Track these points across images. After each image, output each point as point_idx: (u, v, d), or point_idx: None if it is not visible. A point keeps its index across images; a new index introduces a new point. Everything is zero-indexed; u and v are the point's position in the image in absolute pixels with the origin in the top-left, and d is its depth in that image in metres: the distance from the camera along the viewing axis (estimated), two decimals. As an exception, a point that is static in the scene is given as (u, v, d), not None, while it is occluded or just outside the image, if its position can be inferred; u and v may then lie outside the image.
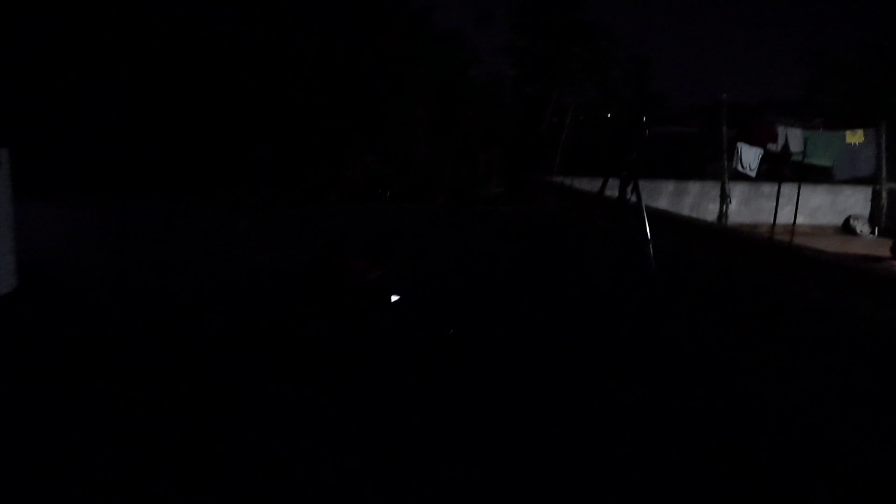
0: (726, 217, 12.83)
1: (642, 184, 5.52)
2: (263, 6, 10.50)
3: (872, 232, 14.71)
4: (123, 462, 3.56)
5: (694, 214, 12.74)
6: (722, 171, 12.85)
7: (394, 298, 5.86)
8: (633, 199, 5.38)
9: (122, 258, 6.48)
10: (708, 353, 5.26)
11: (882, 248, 12.13)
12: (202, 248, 6.76)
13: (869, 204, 15.15)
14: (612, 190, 5.71)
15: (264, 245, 6.93)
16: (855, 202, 15.11)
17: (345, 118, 11.29)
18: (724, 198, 12.86)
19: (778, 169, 13.11)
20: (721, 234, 6.25)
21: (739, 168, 13.04)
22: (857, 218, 14.88)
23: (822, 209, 14.72)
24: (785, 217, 13.55)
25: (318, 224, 7.17)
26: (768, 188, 13.99)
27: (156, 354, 5.20)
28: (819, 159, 13.29)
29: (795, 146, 12.90)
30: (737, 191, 13.83)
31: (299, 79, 10.73)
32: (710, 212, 13.42)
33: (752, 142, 13.11)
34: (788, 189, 13.33)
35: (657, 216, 5.85)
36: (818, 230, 14.17)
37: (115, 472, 3.47)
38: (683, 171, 15.71)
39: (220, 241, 6.85)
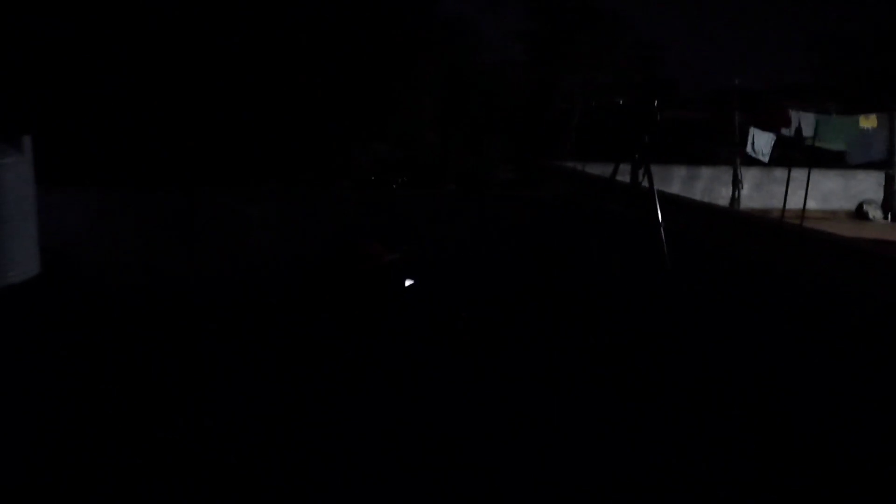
0: (738, 202, 12.82)
1: (654, 169, 5.55)
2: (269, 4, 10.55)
3: (886, 217, 14.66)
4: (128, 453, 3.64)
5: (706, 199, 12.74)
6: (734, 156, 12.82)
7: (408, 283, 5.95)
8: (645, 183, 5.42)
9: (140, 244, 6.58)
10: (719, 335, 5.32)
11: (895, 233, 12.12)
12: (217, 235, 6.85)
13: (882, 189, 15.08)
14: (624, 175, 5.75)
15: (277, 231, 7.02)
16: (868, 187, 15.05)
17: (353, 106, 11.34)
18: (737, 183, 12.84)
19: (790, 154, 13.07)
20: (731, 218, 6.29)
21: (752, 153, 12.99)
22: (869, 203, 14.82)
23: (834, 194, 14.67)
24: (798, 202, 13.52)
25: (329, 210, 7.25)
26: (780, 173, 13.94)
27: (169, 342, 5.30)
28: (832, 144, 13.21)
29: (808, 131, 12.83)
30: (749, 176, 13.80)
31: (308, 68, 10.78)
32: (722, 196, 13.41)
33: (764, 127, 13.06)
34: (801, 174, 13.29)
35: (668, 200, 5.89)
36: (830, 215, 14.15)
37: (118, 465, 3.56)
38: (695, 156, 15.68)
39: (235, 227, 6.95)
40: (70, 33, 7.59)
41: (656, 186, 5.47)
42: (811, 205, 14.14)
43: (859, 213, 14.75)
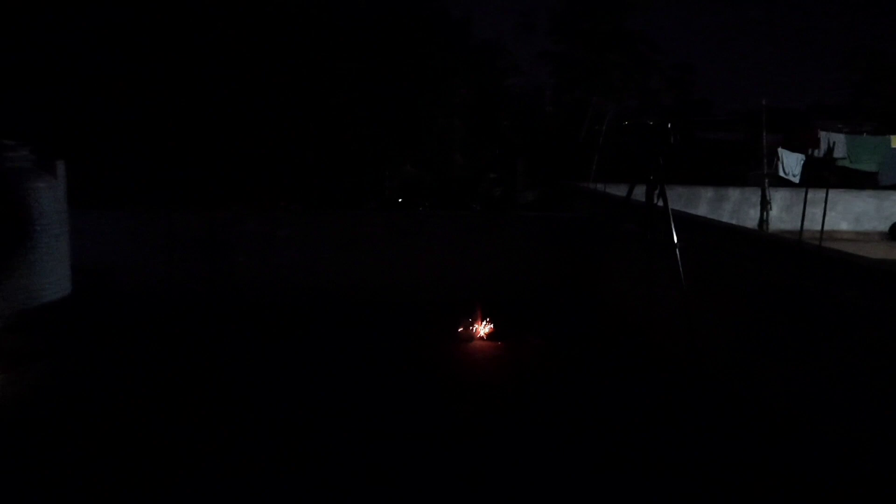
0: (767, 223, 12.68)
1: (680, 190, 5.63)
2: (305, 20, 10.80)
3: (921, 238, 14.36)
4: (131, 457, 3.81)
5: (734, 221, 12.63)
6: (762, 177, 12.72)
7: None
8: (660, 203, 5.46)
9: (168, 264, 6.80)
10: (736, 355, 5.31)
11: (929, 254, 11.88)
12: (244, 256, 7.04)
13: (916, 209, 14.77)
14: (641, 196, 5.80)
15: (304, 251, 7.19)
16: (902, 207, 14.76)
17: (384, 129, 11.52)
18: (765, 204, 12.71)
19: (820, 174, 12.93)
20: (748, 238, 6.28)
21: (782, 174, 12.89)
22: (903, 224, 14.53)
23: (866, 215, 14.41)
24: (831, 223, 13.31)
25: (356, 231, 7.41)
26: (811, 194, 13.76)
27: (194, 358, 5.48)
28: (863, 164, 13.06)
29: (838, 151, 12.71)
30: (779, 197, 13.64)
31: (340, 90, 11.00)
32: (750, 218, 13.28)
33: (792, 147, 12.96)
34: (833, 195, 13.11)
35: (685, 220, 5.92)
36: (863, 236, 13.91)
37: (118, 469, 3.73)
38: (726, 177, 15.56)
39: (261, 248, 7.13)
40: (104, 64, 7.88)
41: (683, 208, 5.52)
42: (843, 226, 13.95)
43: (892, 234, 14.47)
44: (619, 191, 7.78)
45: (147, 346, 5.67)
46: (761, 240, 6.39)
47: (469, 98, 13.54)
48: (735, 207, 13.59)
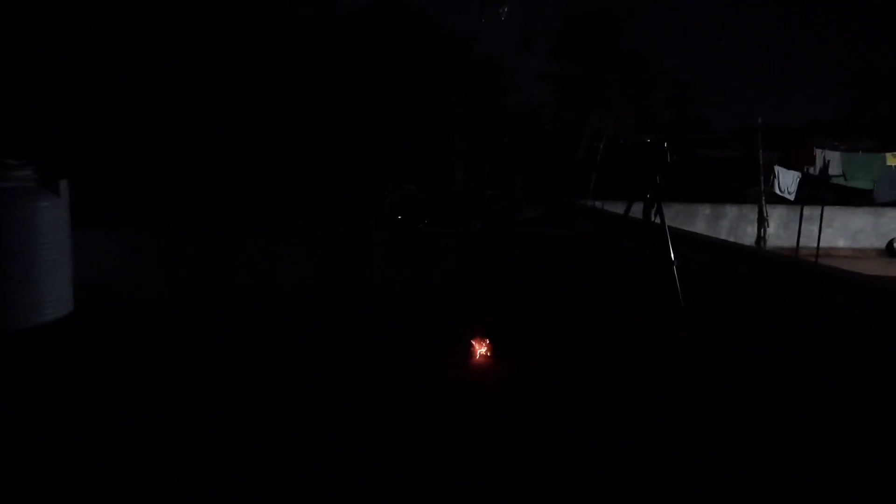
0: (765, 240, 12.75)
1: (678, 207, 5.70)
2: (308, 38, 10.87)
3: (917, 254, 14.44)
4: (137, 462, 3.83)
5: (731, 238, 12.70)
6: (759, 194, 12.80)
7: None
8: (658, 221, 5.52)
9: (170, 281, 6.82)
10: (734, 370, 5.34)
11: (926, 271, 11.93)
12: (246, 272, 7.07)
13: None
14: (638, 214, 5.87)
15: (305, 268, 7.21)
16: (898, 224, 14.86)
17: (385, 148, 11.58)
18: (762, 221, 12.79)
19: (817, 192, 13.01)
20: (744, 254, 6.33)
21: (777, 192, 12.96)
22: (900, 241, 14.63)
23: (864, 232, 14.51)
24: (828, 240, 13.38)
25: (357, 247, 7.45)
26: (808, 211, 13.87)
27: (198, 378, 5.50)
28: (859, 182, 13.15)
29: (834, 169, 12.80)
30: (776, 214, 13.74)
31: (342, 110, 11.06)
32: (748, 235, 13.36)
33: (788, 165, 13.05)
34: (831, 212, 13.20)
35: (682, 237, 5.98)
36: (860, 253, 13.99)
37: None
38: (723, 194, 15.66)
39: (264, 264, 7.16)
40: (104, 82, 7.92)
41: (681, 225, 5.59)
42: (841, 243, 14.03)
43: (890, 251, 14.55)
44: (617, 208, 7.84)
45: (147, 364, 5.69)
46: (758, 256, 6.44)
47: (469, 115, 13.62)
48: (732, 224, 13.67)
